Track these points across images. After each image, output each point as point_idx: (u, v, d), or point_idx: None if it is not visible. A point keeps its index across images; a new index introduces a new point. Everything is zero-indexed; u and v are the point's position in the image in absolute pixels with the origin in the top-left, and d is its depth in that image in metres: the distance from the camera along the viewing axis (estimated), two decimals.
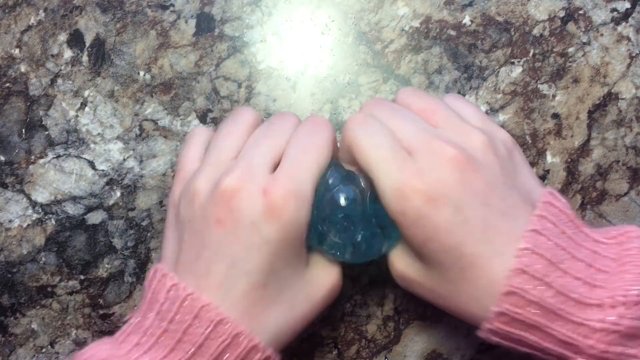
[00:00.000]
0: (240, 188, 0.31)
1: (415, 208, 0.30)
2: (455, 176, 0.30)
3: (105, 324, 0.40)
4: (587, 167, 0.41)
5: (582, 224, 0.31)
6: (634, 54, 0.41)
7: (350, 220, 0.33)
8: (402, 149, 0.31)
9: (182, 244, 0.32)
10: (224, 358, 0.30)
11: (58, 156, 0.41)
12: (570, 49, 0.42)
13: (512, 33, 0.42)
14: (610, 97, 0.41)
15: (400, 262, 0.34)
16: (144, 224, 0.41)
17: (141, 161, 0.41)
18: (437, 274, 0.31)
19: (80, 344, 0.40)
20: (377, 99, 0.38)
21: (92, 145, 0.41)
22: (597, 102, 0.41)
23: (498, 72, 0.41)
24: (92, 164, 0.41)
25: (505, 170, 0.32)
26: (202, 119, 0.41)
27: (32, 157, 0.41)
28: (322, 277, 0.34)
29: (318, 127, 0.33)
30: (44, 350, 0.40)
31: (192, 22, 0.41)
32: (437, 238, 0.30)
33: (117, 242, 0.40)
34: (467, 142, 0.31)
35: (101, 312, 0.40)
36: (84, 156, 0.41)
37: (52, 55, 0.41)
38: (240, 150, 0.33)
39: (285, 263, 0.31)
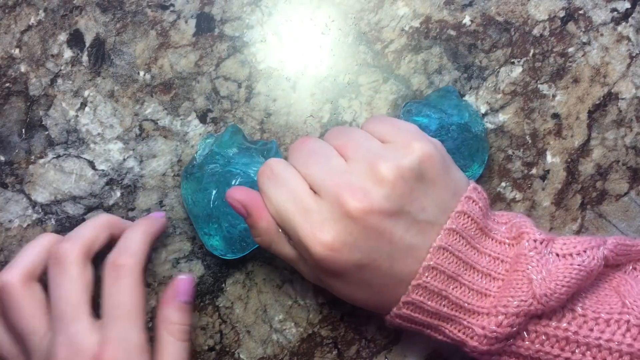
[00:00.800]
0: None
1: (322, 255, 0.32)
2: (358, 225, 0.31)
3: None
4: (587, 167, 0.41)
5: (490, 228, 0.34)
6: (634, 54, 0.41)
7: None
8: (309, 196, 0.32)
9: None
10: None
11: (58, 156, 0.41)
12: (570, 49, 0.42)
13: (512, 33, 0.42)
14: (610, 97, 0.41)
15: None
16: None
17: (141, 161, 0.41)
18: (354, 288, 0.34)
19: None
20: (303, 139, 0.35)
21: (92, 145, 0.41)
22: (597, 102, 0.41)
23: (498, 72, 0.41)
24: (92, 164, 0.41)
25: (418, 189, 0.32)
26: (202, 118, 0.41)
27: (32, 157, 0.41)
28: None
29: (121, 273, 0.34)
30: None
31: (192, 22, 0.41)
32: (348, 275, 0.33)
33: None
34: (375, 177, 0.32)
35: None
36: (84, 156, 0.41)
37: (52, 55, 0.41)
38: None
39: None
